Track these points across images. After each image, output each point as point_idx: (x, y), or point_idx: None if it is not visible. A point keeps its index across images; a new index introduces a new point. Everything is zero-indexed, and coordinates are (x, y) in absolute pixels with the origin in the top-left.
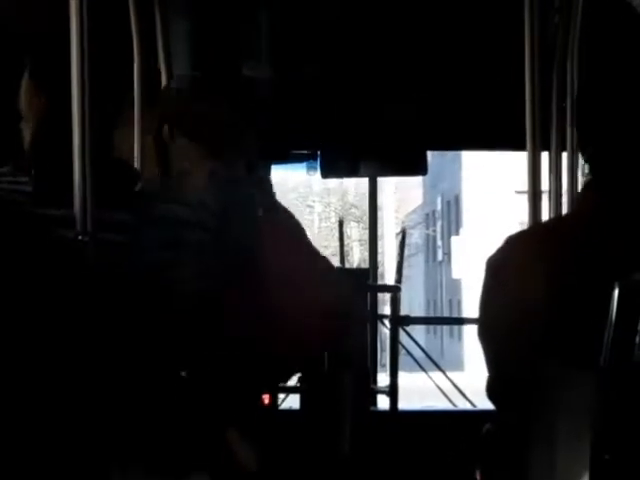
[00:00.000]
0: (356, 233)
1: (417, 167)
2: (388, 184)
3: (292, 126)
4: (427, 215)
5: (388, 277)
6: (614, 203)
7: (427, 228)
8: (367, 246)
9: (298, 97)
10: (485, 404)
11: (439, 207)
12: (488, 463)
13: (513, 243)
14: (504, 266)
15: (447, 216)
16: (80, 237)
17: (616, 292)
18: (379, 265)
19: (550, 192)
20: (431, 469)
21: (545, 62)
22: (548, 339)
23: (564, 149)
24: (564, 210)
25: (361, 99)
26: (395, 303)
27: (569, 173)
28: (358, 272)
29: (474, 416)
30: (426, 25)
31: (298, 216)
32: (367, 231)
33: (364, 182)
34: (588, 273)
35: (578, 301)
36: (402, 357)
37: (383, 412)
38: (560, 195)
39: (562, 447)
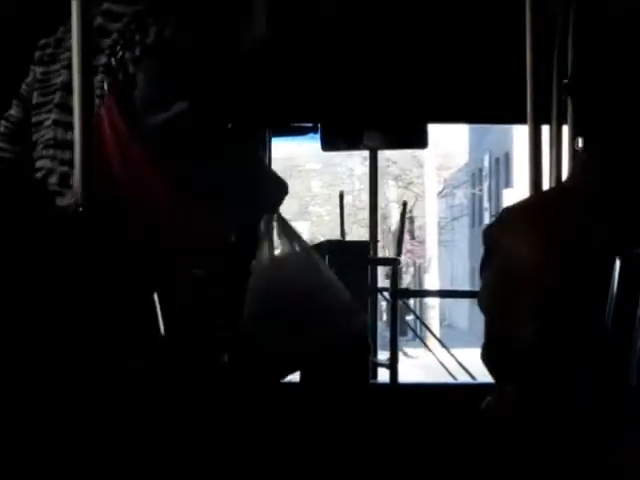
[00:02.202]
0: (394, 193)
1: (418, 140)
2: (431, 141)
3: (293, 99)
4: (473, 174)
5: (429, 241)
6: (611, 171)
7: (473, 187)
8: (410, 207)
9: (298, 70)
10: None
11: (486, 165)
12: (488, 435)
13: (510, 213)
14: (500, 237)
15: (495, 175)
16: (81, 208)
17: (617, 266)
18: (417, 229)
19: (550, 164)
20: (431, 442)
21: (547, 37)
22: (543, 310)
23: (565, 122)
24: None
25: (361, 72)
26: (395, 276)
27: (570, 146)
28: (358, 245)
29: (474, 389)
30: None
31: (339, 181)
32: (407, 191)
33: None
34: (587, 243)
35: (576, 272)
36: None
37: (383, 385)
38: (560, 168)
39: (559, 420)
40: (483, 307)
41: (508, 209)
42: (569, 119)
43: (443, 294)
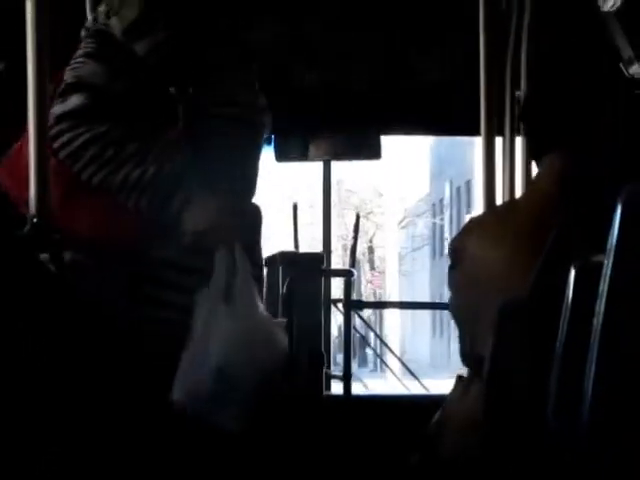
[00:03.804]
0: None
1: (371, 151)
2: (391, 171)
3: None
4: (434, 204)
5: (389, 271)
6: (568, 182)
7: (434, 217)
8: (370, 237)
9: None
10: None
11: (447, 194)
12: (436, 447)
13: (473, 226)
14: (463, 249)
15: (457, 203)
16: (35, 220)
17: (572, 273)
18: (377, 260)
19: (504, 177)
20: (383, 454)
21: (499, 49)
22: (507, 318)
23: (518, 134)
24: (518, 195)
25: (314, 82)
26: (348, 287)
27: (523, 158)
28: (312, 256)
29: (427, 401)
30: (383, 5)
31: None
32: (367, 221)
33: (361, 166)
34: (545, 258)
35: (536, 288)
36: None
37: (337, 397)
38: (514, 179)
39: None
40: (453, 315)
41: (472, 219)
42: (522, 132)
43: (398, 305)
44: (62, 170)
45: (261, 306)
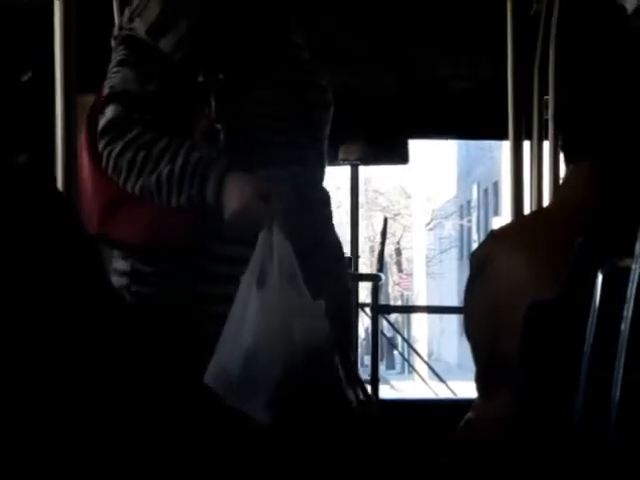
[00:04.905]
0: (382, 225)
1: (399, 156)
2: (419, 172)
3: None
4: (461, 206)
5: (417, 273)
6: (599, 189)
7: (461, 219)
8: (398, 239)
9: None
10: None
11: (475, 196)
12: (465, 451)
13: (496, 237)
14: (487, 261)
15: (484, 205)
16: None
17: (600, 278)
18: (404, 262)
19: (531, 181)
20: (410, 457)
21: (527, 54)
22: (532, 332)
23: (546, 138)
24: (545, 198)
25: (343, 87)
26: (376, 292)
27: (551, 162)
28: None
29: (455, 405)
30: (409, 12)
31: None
32: (394, 222)
33: (389, 167)
34: (573, 262)
35: (564, 291)
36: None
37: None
38: (541, 184)
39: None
40: (470, 325)
41: (494, 232)
42: (550, 136)
43: (426, 309)
44: (100, 186)
45: (303, 289)
